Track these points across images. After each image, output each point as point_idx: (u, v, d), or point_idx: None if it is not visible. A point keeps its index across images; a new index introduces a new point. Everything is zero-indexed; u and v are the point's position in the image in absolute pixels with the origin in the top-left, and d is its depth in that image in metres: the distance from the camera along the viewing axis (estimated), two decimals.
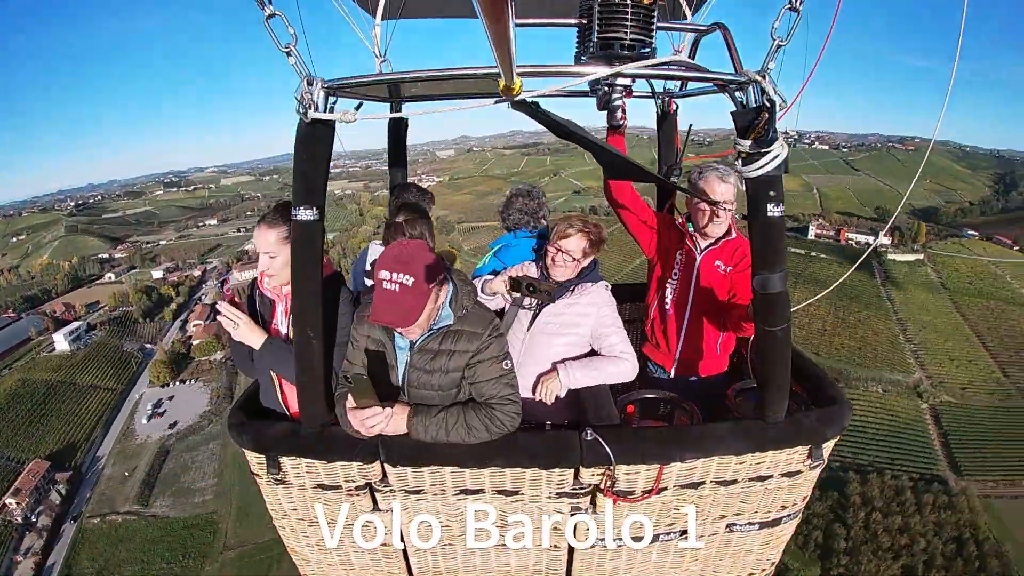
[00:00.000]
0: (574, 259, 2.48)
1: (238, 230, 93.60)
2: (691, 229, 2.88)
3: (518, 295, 2.53)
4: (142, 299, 57.92)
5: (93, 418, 48.24)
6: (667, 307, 2.94)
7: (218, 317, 2.19)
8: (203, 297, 59.64)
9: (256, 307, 2.34)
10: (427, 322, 1.93)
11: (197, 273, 67.96)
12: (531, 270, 2.68)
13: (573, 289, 2.52)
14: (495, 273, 2.75)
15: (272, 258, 2.13)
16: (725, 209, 2.71)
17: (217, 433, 43.92)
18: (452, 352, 1.98)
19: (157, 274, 68.90)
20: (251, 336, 2.18)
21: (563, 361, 2.47)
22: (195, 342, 48.63)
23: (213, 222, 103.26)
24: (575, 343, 2.54)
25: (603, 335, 2.52)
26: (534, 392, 2.44)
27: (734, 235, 2.81)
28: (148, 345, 49.49)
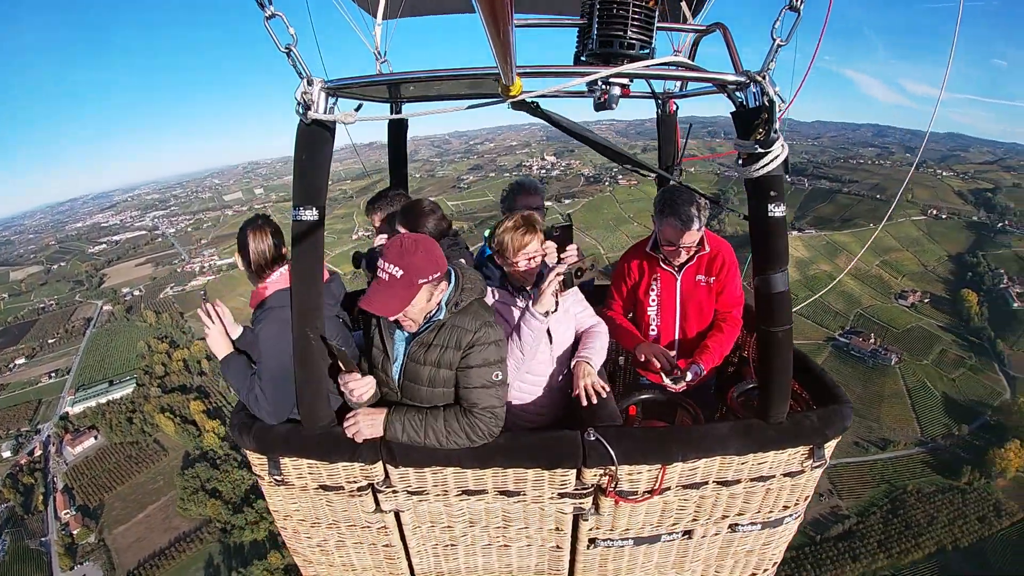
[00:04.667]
0: (538, 256, 2.40)
1: (49, 375, 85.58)
2: (660, 255, 2.81)
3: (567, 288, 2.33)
4: (14, 494, 60.95)
5: None
6: (654, 330, 2.91)
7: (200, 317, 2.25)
8: (55, 480, 62.80)
9: None
10: (421, 316, 1.95)
11: (38, 451, 67.60)
12: (556, 260, 2.49)
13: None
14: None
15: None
16: (686, 249, 2.69)
17: None
18: (444, 348, 1.98)
19: (6, 453, 68.05)
20: (217, 346, 2.21)
21: (576, 354, 2.44)
22: (75, 531, 54.70)
23: (22, 361, 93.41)
24: (571, 325, 2.55)
25: (578, 310, 2.55)
26: (575, 397, 2.28)
27: (707, 249, 2.76)
28: (42, 539, 55.86)
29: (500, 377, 2.00)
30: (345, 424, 1.97)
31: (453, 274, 2.04)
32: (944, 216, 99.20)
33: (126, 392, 75.01)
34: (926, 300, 78.96)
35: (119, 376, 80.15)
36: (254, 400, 2.05)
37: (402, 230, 2.72)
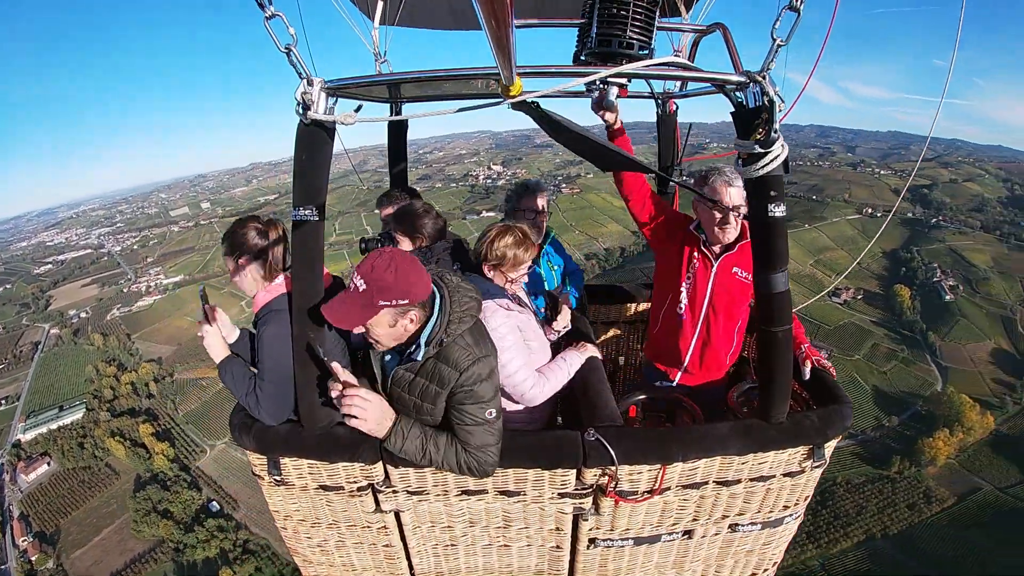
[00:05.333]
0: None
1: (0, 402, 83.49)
2: (703, 236, 2.74)
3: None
4: None
5: None
6: (680, 313, 2.82)
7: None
8: (11, 508, 63.22)
9: None
10: (389, 341, 1.85)
11: None
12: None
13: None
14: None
15: (237, 278, 2.17)
16: (737, 215, 2.58)
17: None
18: (428, 385, 1.88)
19: None
20: (213, 349, 2.18)
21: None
22: (33, 558, 56.22)
23: None
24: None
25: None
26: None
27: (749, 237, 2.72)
28: (1, 566, 56.96)
29: (494, 415, 1.88)
30: (334, 393, 1.85)
31: (439, 303, 1.84)
32: (879, 214, 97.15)
33: (76, 417, 75.54)
34: (859, 297, 78.42)
35: (69, 401, 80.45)
36: (254, 401, 2.05)
37: (399, 236, 2.69)
